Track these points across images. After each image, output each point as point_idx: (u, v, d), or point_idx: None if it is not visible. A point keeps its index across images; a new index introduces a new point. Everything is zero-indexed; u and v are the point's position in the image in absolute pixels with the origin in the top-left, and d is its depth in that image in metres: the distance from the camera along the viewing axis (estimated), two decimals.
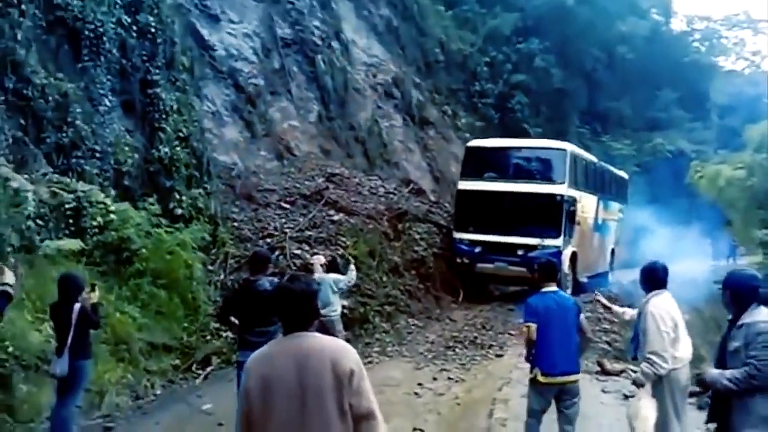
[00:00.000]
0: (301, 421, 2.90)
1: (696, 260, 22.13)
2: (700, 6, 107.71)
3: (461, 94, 28.08)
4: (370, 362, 11.04)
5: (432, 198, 20.57)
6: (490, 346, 12.31)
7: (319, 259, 10.03)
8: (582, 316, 6.14)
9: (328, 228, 14.25)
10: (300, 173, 16.61)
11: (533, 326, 5.93)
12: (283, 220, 14.06)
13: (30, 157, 9.44)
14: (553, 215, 15.81)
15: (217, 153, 14.74)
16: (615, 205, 21.89)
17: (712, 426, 4.73)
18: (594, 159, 20.19)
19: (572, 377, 6.00)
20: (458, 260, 16.53)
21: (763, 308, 4.56)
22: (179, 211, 11.64)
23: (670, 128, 34.91)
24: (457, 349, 12.10)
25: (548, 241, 15.56)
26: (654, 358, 5.47)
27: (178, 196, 11.76)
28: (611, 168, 22.38)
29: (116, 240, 9.74)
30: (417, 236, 16.68)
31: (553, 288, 6.12)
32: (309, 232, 13.84)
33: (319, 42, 20.05)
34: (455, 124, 26.32)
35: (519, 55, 29.98)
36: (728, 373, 4.48)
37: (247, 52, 17.48)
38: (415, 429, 7.73)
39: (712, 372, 4.66)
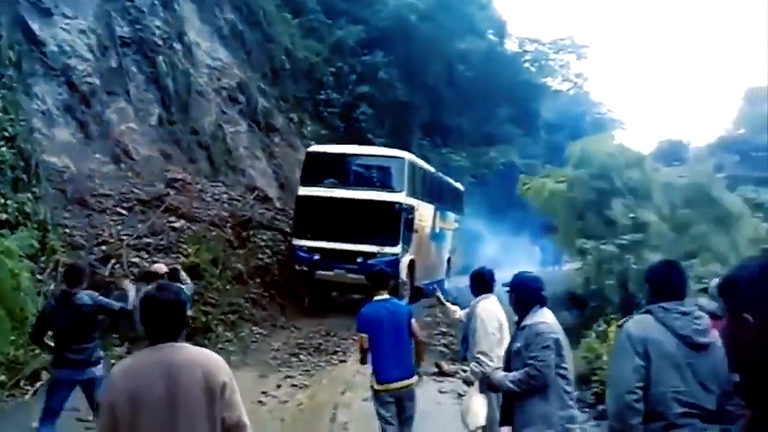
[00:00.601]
0: None
1: (525, 266, 23.60)
2: (531, 29, 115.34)
3: (307, 103, 28.23)
4: None
5: (278, 205, 20.51)
6: (335, 352, 12.50)
7: (160, 268, 9.67)
8: (413, 321, 6.35)
9: (169, 235, 13.83)
10: (138, 178, 15.94)
11: (365, 336, 6.17)
12: (120, 227, 13.44)
13: None
14: (392, 223, 15.76)
15: (47, 155, 13.80)
16: (451, 215, 22.52)
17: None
18: (432, 169, 20.68)
19: (406, 382, 6.19)
20: (297, 267, 16.15)
21: (545, 310, 4.75)
22: (4, 216, 10.77)
23: (504, 143, 37.01)
24: (301, 356, 12.20)
25: (387, 249, 15.55)
26: (482, 357, 5.85)
27: (3, 201, 10.89)
28: (448, 179, 23.11)
29: None
30: (262, 243, 16.59)
31: (385, 296, 6.31)
32: (148, 240, 13.36)
33: (161, 42, 19.37)
34: (301, 132, 26.42)
35: (364, 66, 30.58)
36: (511, 375, 4.64)
37: (82, 50, 16.53)
38: None
39: (498, 374, 4.85)
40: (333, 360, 11.97)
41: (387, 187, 16.43)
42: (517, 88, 38.71)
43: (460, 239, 23.89)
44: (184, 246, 13.72)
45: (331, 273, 15.82)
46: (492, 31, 40.07)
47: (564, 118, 42.99)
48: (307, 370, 11.21)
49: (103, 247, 12.55)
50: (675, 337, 3.64)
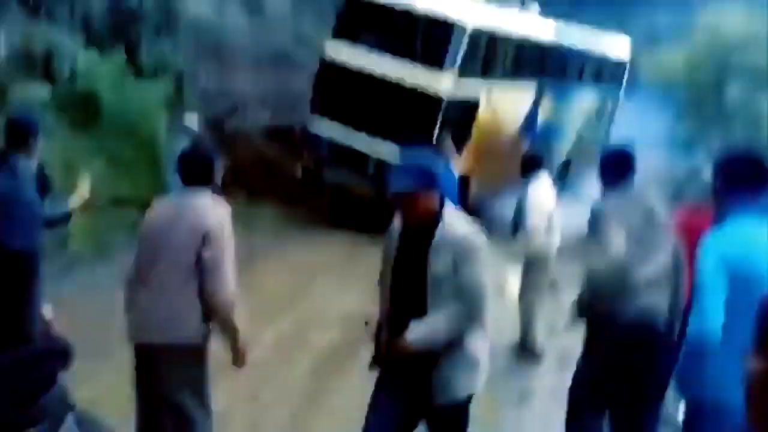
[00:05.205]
0: (159, 258, 3.59)
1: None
2: None
3: None
4: None
5: None
6: None
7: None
8: None
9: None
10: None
11: None
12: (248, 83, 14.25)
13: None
14: (425, 120, 10.51)
15: (189, 7, 14.55)
16: (584, 98, 15.76)
17: None
18: (543, 32, 13.45)
19: None
20: (303, 164, 11.82)
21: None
22: (145, 64, 11.89)
23: None
24: None
25: None
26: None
27: (145, 49, 11.96)
28: (590, 44, 15.29)
29: (85, 91, 10.06)
30: None
31: None
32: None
33: None
34: None
35: None
36: None
37: None
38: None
39: None
40: None
41: (433, 61, 10.89)
42: None
43: (606, 125, 17.12)
44: None
45: (338, 177, 11.57)
46: None
47: None
48: None
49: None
50: None
